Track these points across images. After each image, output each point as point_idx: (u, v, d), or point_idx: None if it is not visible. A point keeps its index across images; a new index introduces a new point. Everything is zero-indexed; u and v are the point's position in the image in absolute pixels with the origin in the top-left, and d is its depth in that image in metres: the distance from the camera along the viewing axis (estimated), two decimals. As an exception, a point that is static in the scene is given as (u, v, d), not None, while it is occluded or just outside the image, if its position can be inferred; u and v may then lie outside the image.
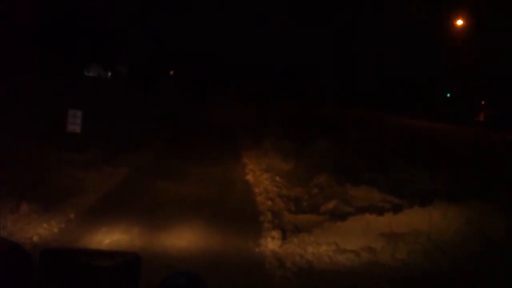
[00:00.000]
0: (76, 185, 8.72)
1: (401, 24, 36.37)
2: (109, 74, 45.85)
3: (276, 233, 6.80)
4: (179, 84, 44.98)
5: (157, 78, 43.34)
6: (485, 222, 6.48)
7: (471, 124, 30.17)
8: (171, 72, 53.14)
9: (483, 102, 37.81)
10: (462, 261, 5.79)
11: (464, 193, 8.11)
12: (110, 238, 6.37)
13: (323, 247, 6.29)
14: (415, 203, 7.29)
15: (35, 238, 6.15)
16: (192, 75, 47.98)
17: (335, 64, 43.40)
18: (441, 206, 6.88)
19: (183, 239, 6.53)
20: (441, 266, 5.77)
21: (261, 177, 10.80)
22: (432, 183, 9.39)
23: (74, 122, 10.78)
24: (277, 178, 10.48)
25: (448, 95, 41.25)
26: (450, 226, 6.50)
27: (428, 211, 6.83)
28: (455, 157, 13.42)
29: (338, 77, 42.49)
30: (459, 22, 32.98)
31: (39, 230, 6.39)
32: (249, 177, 11.00)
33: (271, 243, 6.54)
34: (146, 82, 38.48)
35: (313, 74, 45.22)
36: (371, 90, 40.57)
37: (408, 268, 5.82)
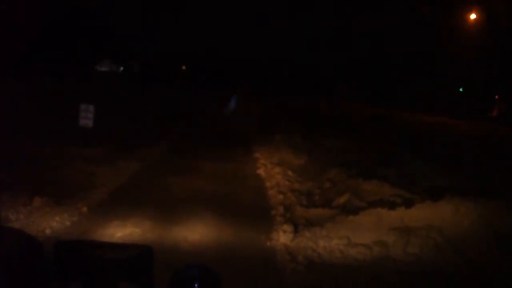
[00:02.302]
0: (88, 180, 8.78)
1: (407, 17, 36.21)
2: (121, 68, 46.05)
3: (287, 227, 6.80)
4: (184, 80, 45.22)
5: (164, 75, 43.57)
6: (497, 218, 6.44)
7: (484, 119, 29.92)
8: (183, 67, 53.41)
9: (496, 97, 37.35)
10: (474, 256, 5.76)
11: (475, 189, 8.04)
12: (122, 231, 6.41)
13: (335, 241, 6.28)
14: (426, 197, 7.24)
15: (48, 231, 6.21)
16: (198, 72, 48.24)
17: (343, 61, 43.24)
18: (453, 201, 6.83)
19: (195, 232, 6.56)
20: (453, 261, 5.74)
21: (272, 171, 10.78)
22: (443, 178, 9.32)
23: (86, 117, 10.82)
24: (289, 173, 10.46)
25: (461, 89, 40.89)
26: (462, 221, 6.46)
27: (440, 206, 6.78)
28: (467, 153, 13.33)
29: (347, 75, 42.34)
30: (472, 16, 32.73)
31: (51, 223, 6.45)
32: (261, 171, 10.99)
33: (282, 237, 6.54)
34: (151, 79, 38.75)
35: (323, 72, 45.09)
36: (380, 86, 40.38)
37: (420, 262, 5.80)
